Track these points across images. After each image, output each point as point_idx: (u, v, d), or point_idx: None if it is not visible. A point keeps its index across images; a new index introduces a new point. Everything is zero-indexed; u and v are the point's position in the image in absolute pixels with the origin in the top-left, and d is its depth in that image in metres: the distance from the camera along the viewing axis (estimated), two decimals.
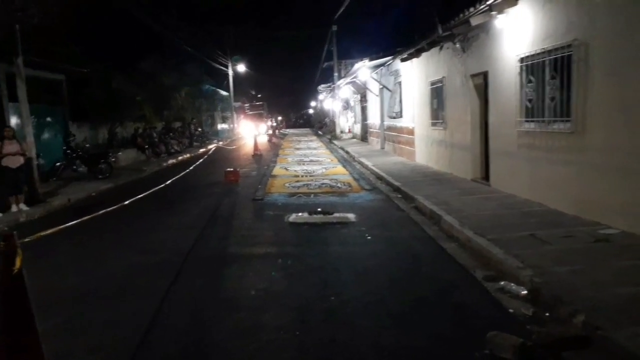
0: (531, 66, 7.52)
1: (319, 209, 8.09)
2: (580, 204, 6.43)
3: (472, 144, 10.17)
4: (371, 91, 20.69)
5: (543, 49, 7.08)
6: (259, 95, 54.75)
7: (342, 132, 30.75)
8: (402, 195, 9.60)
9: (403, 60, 14.31)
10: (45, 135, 15.48)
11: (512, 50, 8.04)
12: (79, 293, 4.82)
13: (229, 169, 12.63)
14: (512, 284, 4.54)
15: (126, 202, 6.06)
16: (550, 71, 7.00)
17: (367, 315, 4.04)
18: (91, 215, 4.98)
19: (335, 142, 27.29)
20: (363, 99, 24.96)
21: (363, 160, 15.99)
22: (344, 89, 28.38)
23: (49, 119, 15.83)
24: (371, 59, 16.08)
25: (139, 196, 6.65)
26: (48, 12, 10.41)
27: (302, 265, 5.40)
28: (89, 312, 4.33)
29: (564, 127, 6.73)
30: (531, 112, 7.59)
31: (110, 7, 19.94)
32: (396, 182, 10.63)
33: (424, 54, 12.80)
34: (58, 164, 14.47)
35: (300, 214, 7.90)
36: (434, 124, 12.63)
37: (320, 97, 47.73)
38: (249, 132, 36.28)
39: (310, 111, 72.91)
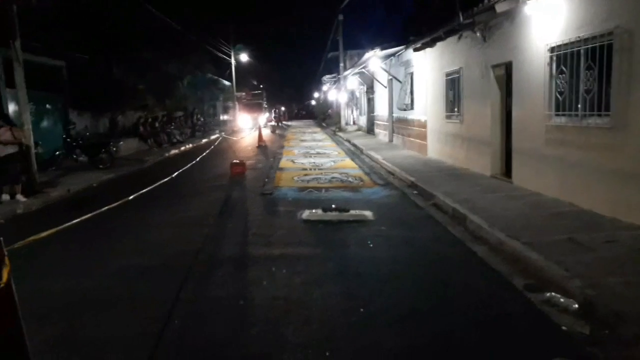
0: (563, 56, 7.01)
1: (333, 205, 7.61)
2: (619, 205, 5.96)
3: (492, 138, 9.67)
4: (379, 82, 20.14)
5: (578, 37, 6.57)
6: (261, 86, 54.02)
7: (347, 124, 30.21)
8: (419, 192, 9.13)
9: (416, 50, 13.76)
10: (44, 123, 14.97)
11: (540, 39, 7.53)
12: (74, 300, 4.35)
13: (235, 161, 12.14)
14: (560, 296, 4.08)
15: (128, 197, 5.57)
16: (587, 61, 6.49)
17: (401, 333, 3.59)
18: (92, 213, 4.49)
19: (341, 134, 26.76)
20: (370, 90, 24.40)
21: (372, 153, 15.50)
22: (350, 80, 27.80)
23: (48, 106, 15.31)
24: (382, 49, 15.50)
25: (141, 189, 6.19)
26: None
27: (321, 269, 4.93)
28: (84, 326, 3.85)
29: (602, 121, 6.24)
30: (562, 105, 7.09)
31: None
32: (411, 177, 10.15)
33: (439, 44, 12.26)
34: (57, 152, 14.00)
35: (313, 210, 7.43)
36: (448, 117, 12.12)
37: (324, 88, 47.11)
38: (247, 122, 35.70)
39: (313, 102, 72.26)
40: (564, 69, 6.99)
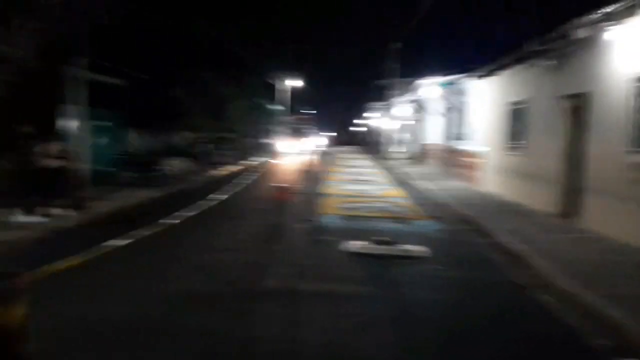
0: None
1: (383, 238, 7.12)
2: None
3: (560, 174, 8.94)
4: (433, 110, 19.62)
5: None
6: (313, 111, 54.42)
7: (395, 151, 29.67)
8: (475, 228, 8.51)
9: (476, 78, 13.22)
10: (102, 140, 15.37)
11: (624, 68, 6.89)
12: (110, 329, 4.07)
13: (280, 185, 11.88)
14: None
15: (174, 220, 5.36)
16: None
17: None
18: (133, 237, 4.26)
19: (387, 161, 26.24)
20: (421, 118, 23.87)
21: (421, 182, 14.92)
22: (400, 107, 27.38)
23: (107, 123, 15.75)
24: (440, 76, 15.08)
25: (189, 210, 5.98)
26: (115, 14, 10.12)
27: (373, 312, 4.46)
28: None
29: None
30: None
31: (171, 15, 19.98)
32: (466, 211, 9.54)
33: (501, 73, 11.70)
34: (112, 169, 14.28)
35: (361, 242, 6.97)
36: (509, 149, 11.44)
37: (372, 114, 46.89)
38: (294, 146, 35.74)
39: (360, 128, 72.12)
40: None
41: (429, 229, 8.45)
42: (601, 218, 7.40)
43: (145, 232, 8.04)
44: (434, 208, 10.79)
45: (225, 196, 11.72)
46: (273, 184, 13.68)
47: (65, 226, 8.56)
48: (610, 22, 6.79)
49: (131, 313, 4.39)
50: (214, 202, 10.62)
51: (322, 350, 3.71)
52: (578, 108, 8.73)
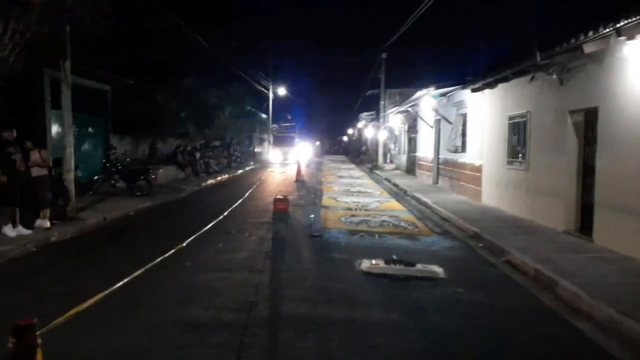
0: None
1: (395, 257, 6.76)
2: None
3: (567, 190, 8.73)
4: (425, 121, 19.43)
5: None
6: (289, 117, 53.64)
7: (384, 162, 29.48)
8: (485, 245, 8.21)
9: (474, 90, 13.04)
10: (86, 147, 14.75)
11: (638, 83, 6.69)
12: None
13: (278, 197, 11.44)
14: None
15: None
16: None
17: None
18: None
19: (378, 172, 25.99)
20: (412, 129, 23.69)
21: (418, 195, 14.63)
22: (391, 118, 27.23)
23: (90, 129, 15.13)
24: (436, 88, 14.86)
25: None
26: (98, 16, 9.58)
27: (401, 344, 4.07)
28: None
29: None
30: None
31: (155, 20, 19.41)
32: (473, 227, 9.23)
33: (501, 85, 11.51)
34: (96, 177, 13.68)
35: (373, 261, 6.59)
36: (510, 163, 11.23)
37: (360, 124, 46.82)
38: (280, 155, 35.23)
39: (345, 138, 72.01)
40: None
41: (439, 246, 8.11)
42: (617, 236, 7.16)
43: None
44: (437, 223, 10.49)
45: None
46: (267, 194, 13.29)
47: (55, 240, 8.01)
48: (624, 37, 6.58)
49: (128, 343, 3.91)
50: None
51: None
52: (583, 123, 8.55)
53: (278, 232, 8.92)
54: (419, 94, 16.32)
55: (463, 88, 14.15)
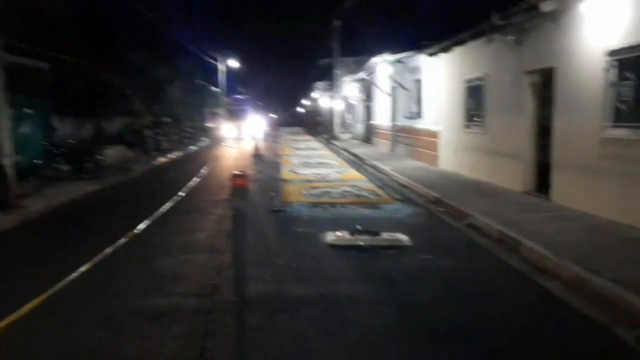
0: (627, 61, 6.18)
1: (359, 227, 6.60)
2: None
3: (525, 151, 8.81)
4: (380, 89, 19.29)
5: None
6: (242, 90, 52.43)
7: (341, 132, 29.32)
8: (447, 209, 8.21)
9: (430, 55, 12.93)
10: (24, 129, 13.69)
11: (596, 42, 6.70)
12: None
13: (235, 172, 11.05)
14: None
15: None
16: None
17: None
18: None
19: (335, 142, 25.82)
20: (367, 97, 23.56)
21: (377, 164, 14.58)
22: (346, 87, 26.95)
23: (28, 110, 14.02)
24: (392, 53, 14.66)
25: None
26: None
27: (378, 320, 3.90)
28: None
29: None
30: (625, 116, 6.25)
31: None
32: (433, 192, 9.23)
33: (457, 49, 11.44)
34: (38, 161, 12.79)
35: (338, 233, 6.41)
36: (467, 127, 11.27)
37: (314, 95, 46.27)
38: (234, 130, 34.38)
39: (301, 109, 71.31)
40: (629, 75, 6.15)
41: (402, 214, 8.04)
42: (575, 194, 7.29)
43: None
44: (397, 190, 10.45)
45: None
46: (227, 172, 12.87)
47: None
48: None
49: (89, 337, 3.59)
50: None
51: None
52: (540, 83, 8.59)
53: (238, 209, 8.59)
54: (374, 60, 16.09)
55: (419, 53, 14.02)
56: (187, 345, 3.44)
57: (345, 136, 28.51)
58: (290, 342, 3.51)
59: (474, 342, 3.54)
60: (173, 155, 20.70)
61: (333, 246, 6.02)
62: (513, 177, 9.17)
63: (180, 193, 10.21)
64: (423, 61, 14.06)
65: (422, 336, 3.63)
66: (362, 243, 6.04)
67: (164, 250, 6.04)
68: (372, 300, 4.29)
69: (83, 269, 5.26)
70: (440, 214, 8.02)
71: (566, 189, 7.56)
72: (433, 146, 13.59)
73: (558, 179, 7.78)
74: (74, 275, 5.08)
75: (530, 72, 8.60)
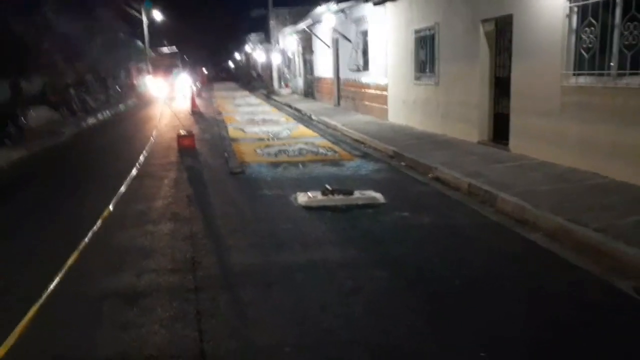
0: (590, 6, 6.17)
1: (328, 187, 6.33)
2: None
3: (481, 102, 8.84)
4: (322, 41, 18.71)
5: None
6: (172, 46, 49.45)
7: (280, 87, 28.54)
8: (408, 163, 8.14)
9: (376, 4, 12.52)
10: None
11: None
12: None
13: (181, 132, 10.37)
14: None
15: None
16: (624, 12, 5.69)
17: None
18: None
19: (275, 97, 25.09)
20: (307, 50, 22.87)
21: (325, 119, 14.29)
22: (284, 39, 26.01)
23: None
24: (337, 2, 14.08)
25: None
26: None
27: (373, 285, 3.71)
28: None
29: None
30: (588, 63, 6.31)
31: None
32: (390, 147, 9.13)
33: None
34: None
35: (310, 194, 6.12)
36: (418, 79, 11.16)
37: (248, 48, 44.57)
38: (163, 86, 32.42)
39: (232, 64, 68.61)
40: (592, 21, 6.16)
41: (365, 170, 7.87)
42: (534, 143, 7.41)
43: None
44: (353, 145, 10.27)
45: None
46: (169, 132, 12.07)
47: None
48: None
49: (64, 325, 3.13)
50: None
51: (353, 348, 2.90)
52: (494, 32, 8.54)
53: (192, 172, 8.05)
54: (318, 10, 15.43)
55: (364, 2, 13.56)
56: (181, 332, 3.07)
57: (284, 91, 27.81)
58: (295, 317, 3.24)
59: (487, 301, 3.45)
60: (102, 115, 19.27)
61: (307, 208, 5.74)
62: (467, 128, 9.23)
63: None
64: (369, 11, 13.65)
65: (434, 301, 3.47)
66: (337, 203, 5.81)
67: (120, 221, 5.49)
68: (366, 264, 4.09)
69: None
70: (403, 169, 7.94)
71: (524, 138, 7.67)
72: (381, 99, 13.44)
73: (516, 128, 7.88)
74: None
75: (485, 21, 8.50)
